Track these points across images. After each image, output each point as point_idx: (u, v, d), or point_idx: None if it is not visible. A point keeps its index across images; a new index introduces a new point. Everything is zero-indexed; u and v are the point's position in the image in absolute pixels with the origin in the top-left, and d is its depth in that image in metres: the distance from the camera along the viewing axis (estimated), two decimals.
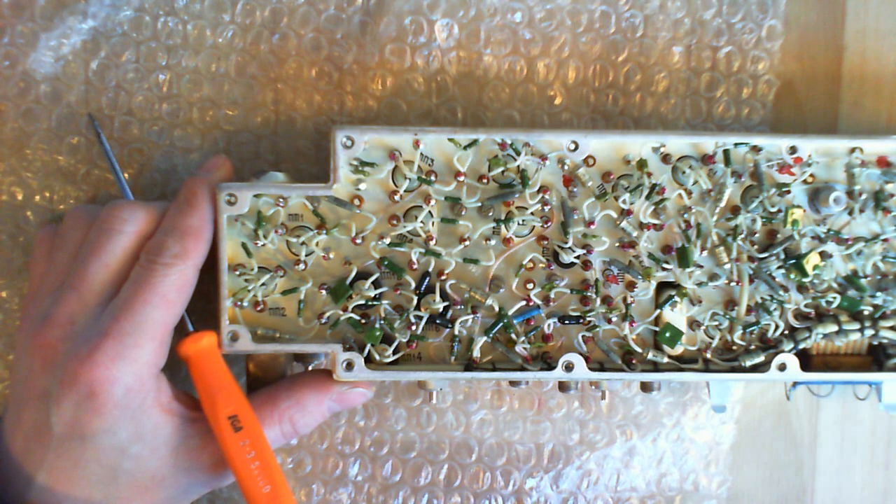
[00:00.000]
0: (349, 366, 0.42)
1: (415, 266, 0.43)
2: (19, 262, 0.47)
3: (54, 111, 0.47)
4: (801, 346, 0.44)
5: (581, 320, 0.44)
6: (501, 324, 0.43)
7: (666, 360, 0.44)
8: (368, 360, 0.43)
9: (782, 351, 0.44)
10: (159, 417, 0.40)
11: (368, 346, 0.43)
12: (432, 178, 0.43)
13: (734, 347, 0.45)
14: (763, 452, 0.50)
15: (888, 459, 0.50)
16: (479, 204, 0.43)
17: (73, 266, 0.41)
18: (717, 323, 0.44)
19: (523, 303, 0.44)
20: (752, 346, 0.45)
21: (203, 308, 0.46)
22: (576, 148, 0.43)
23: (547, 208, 0.44)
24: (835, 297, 0.44)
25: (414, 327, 0.43)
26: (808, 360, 0.45)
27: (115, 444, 0.39)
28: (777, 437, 0.50)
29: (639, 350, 0.44)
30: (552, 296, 0.44)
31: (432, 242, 0.43)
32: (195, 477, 0.41)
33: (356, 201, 0.43)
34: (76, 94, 0.47)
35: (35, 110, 0.47)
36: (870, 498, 0.50)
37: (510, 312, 0.43)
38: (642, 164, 0.43)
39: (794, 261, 0.43)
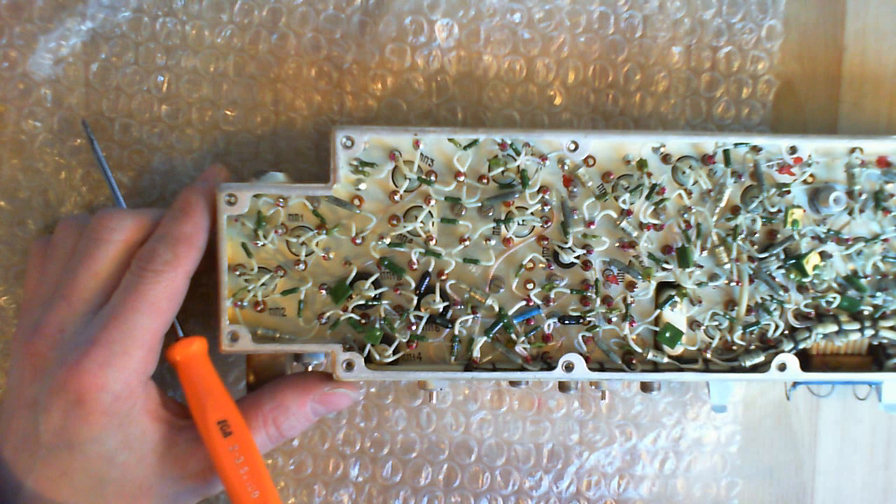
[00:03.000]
0: (349, 366, 0.42)
1: (415, 266, 0.43)
2: (17, 269, 0.47)
3: (55, 114, 0.47)
4: (801, 346, 0.44)
5: (581, 320, 0.44)
6: (501, 324, 0.43)
7: (666, 360, 0.44)
8: (368, 360, 0.43)
9: (782, 351, 0.44)
10: (147, 425, 0.40)
11: (368, 346, 0.43)
12: (432, 178, 0.43)
13: (734, 347, 0.45)
14: (763, 452, 0.50)
15: (888, 459, 0.50)
16: (479, 204, 0.43)
17: (63, 275, 0.41)
18: (717, 323, 0.44)
19: (523, 303, 0.44)
20: (752, 346, 0.45)
21: (202, 310, 0.46)
22: (576, 148, 0.43)
23: (547, 208, 0.44)
24: (835, 297, 0.44)
25: (414, 327, 0.43)
26: (808, 360, 0.45)
27: (103, 453, 0.39)
28: (777, 437, 0.50)
29: (639, 350, 0.44)
30: (552, 296, 0.44)
31: (432, 242, 0.43)
32: (183, 485, 0.41)
33: (356, 201, 0.43)
34: (77, 97, 0.47)
35: (35, 113, 0.47)
36: (870, 498, 0.50)
37: (510, 312, 0.43)
38: (642, 164, 0.43)
39: (794, 261, 0.43)
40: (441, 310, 0.43)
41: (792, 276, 0.44)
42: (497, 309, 0.43)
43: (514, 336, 0.43)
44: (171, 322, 0.41)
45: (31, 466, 0.39)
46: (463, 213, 0.44)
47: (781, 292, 0.44)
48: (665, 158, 0.44)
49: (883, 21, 0.48)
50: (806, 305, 0.44)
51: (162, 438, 0.40)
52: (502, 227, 0.43)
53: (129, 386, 0.39)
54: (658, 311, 0.44)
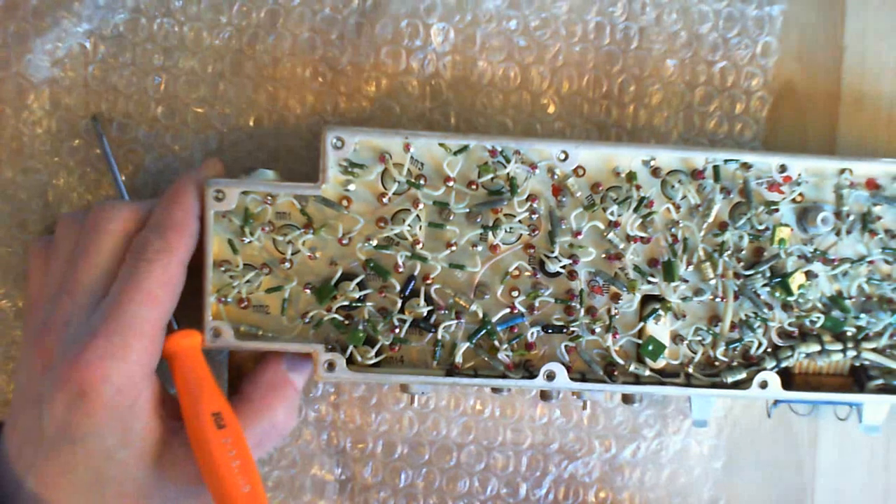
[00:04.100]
0: (331, 366, 0.42)
1: (401, 269, 0.43)
2: (17, 271, 0.47)
3: (53, 115, 0.47)
4: (784, 364, 0.44)
5: (564, 330, 0.44)
6: (485, 330, 0.43)
7: (648, 373, 0.44)
8: (351, 362, 0.43)
9: (764, 368, 0.44)
10: (148, 420, 0.40)
11: (351, 347, 0.43)
12: (421, 181, 0.43)
13: (716, 363, 0.45)
14: (762, 452, 0.50)
15: (888, 460, 0.50)
16: (468, 210, 0.43)
17: (66, 271, 0.41)
18: (700, 338, 0.44)
19: (507, 310, 0.44)
20: (735, 363, 0.45)
21: (190, 305, 0.46)
22: (566, 158, 0.43)
23: (535, 217, 0.44)
24: (819, 317, 0.44)
25: (397, 330, 0.43)
26: (790, 379, 0.45)
27: (103, 448, 0.39)
28: (777, 437, 0.49)
29: (621, 362, 0.44)
30: (537, 304, 0.44)
31: (419, 246, 0.43)
32: (180, 484, 0.40)
33: (344, 202, 0.43)
34: (74, 98, 0.47)
35: (33, 113, 0.47)
36: (870, 498, 0.50)
37: (494, 319, 0.43)
38: (631, 176, 0.43)
39: (779, 279, 0.43)
40: (425, 314, 0.43)
41: (777, 294, 0.44)
42: (481, 315, 0.44)
43: (496, 343, 0.43)
44: (171, 311, 0.41)
45: (34, 462, 0.39)
46: (451, 218, 0.44)
47: (766, 310, 0.44)
48: (655, 172, 0.44)
49: (883, 21, 0.48)
50: (790, 324, 0.44)
51: (160, 438, 0.40)
52: (489, 233, 0.43)
53: (131, 378, 0.39)
54: (642, 324, 0.44)
